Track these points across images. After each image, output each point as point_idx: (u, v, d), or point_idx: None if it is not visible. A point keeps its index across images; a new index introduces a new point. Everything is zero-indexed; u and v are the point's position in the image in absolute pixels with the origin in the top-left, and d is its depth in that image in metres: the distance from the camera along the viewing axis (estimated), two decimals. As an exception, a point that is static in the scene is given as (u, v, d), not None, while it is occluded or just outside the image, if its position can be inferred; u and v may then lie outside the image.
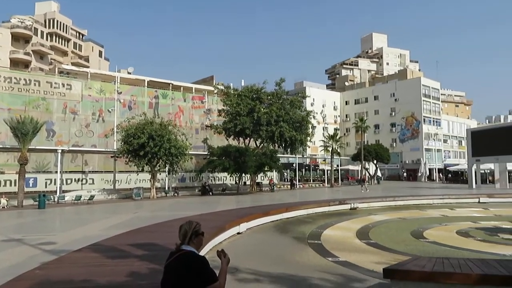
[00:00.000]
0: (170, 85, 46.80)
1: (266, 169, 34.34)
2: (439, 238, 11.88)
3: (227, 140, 38.76)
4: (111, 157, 30.66)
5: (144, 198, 27.20)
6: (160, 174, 31.66)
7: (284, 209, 16.01)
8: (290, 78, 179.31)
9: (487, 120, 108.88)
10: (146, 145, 25.67)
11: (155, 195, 28.38)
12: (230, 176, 38.00)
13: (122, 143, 27.14)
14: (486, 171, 51.36)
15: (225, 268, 2.96)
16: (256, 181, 38.69)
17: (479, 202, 22.97)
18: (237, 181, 36.04)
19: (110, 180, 32.10)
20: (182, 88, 48.84)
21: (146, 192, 28.51)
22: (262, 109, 36.32)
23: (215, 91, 42.24)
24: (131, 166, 28.86)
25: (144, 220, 14.00)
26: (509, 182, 42.81)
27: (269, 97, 38.76)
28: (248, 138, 38.38)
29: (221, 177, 40.82)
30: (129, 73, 46.82)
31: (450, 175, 65.55)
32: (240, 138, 38.57)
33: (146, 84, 45.08)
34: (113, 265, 6.21)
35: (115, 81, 39.50)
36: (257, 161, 33.09)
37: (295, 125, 38.25)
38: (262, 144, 39.05)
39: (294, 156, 47.88)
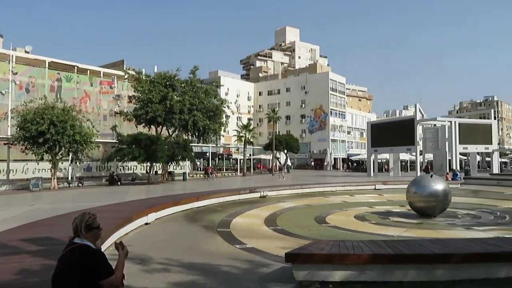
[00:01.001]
0: (75, 67, 43.41)
1: (178, 158, 33.79)
2: (339, 222, 12.75)
3: (138, 128, 37.34)
4: (4, 144, 27.67)
5: (43, 189, 25.11)
6: (62, 163, 29.44)
7: (194, 198, 15.94)
8: (205, 67, 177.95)
9: (385, 114, 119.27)
10: (47, 132, 23.64)
11: (57, 186, 26.36)
12: (141, 166, 36.74)
13: (18, 129, 24.68)
14: (382, 160, 56.38)
15: (123, 260, 2.86)
16: (168, 170, 37.93)
17: (375, 189, 25.15)
18: (148, 171, 34.98)
19: (4, 170, 29.04)
20: (88, 71, 45.56)
21: (46, 182, 26.34)
22: (175, 97, 35.54)
23: (126, 76, 40.25)
24: (28, 154, 26.41)
25: (42, 212, 12.94)
26: (401, 171, 47.60)
27: (182, 85, 38.03)
28: (160, 126, 37.35)
29: (131, 166, 39.24)
30: (26, 52, 42.38)
31: (352, 164, 70.80)
32: (152, 126, 37.38)
33: (47, 65, 41.24)
34: (0, 262, 5.65)
35: (9, 60, 35.55)
36: (169, 150, 32.39)
37: (209, 114, 38.11)
38: (174, 133, 38.30)
39: (207, 145, 47.79)
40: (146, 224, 11.48)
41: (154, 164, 34.22)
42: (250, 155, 58.84)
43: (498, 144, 50.74)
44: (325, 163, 70.16)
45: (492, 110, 53.26)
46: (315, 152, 78.03)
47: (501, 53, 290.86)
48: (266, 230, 11.51)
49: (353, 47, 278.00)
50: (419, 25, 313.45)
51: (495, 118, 49.24)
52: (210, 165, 48.37)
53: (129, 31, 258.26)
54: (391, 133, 42.75)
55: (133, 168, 39.27)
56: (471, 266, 5.78)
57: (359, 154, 71.63)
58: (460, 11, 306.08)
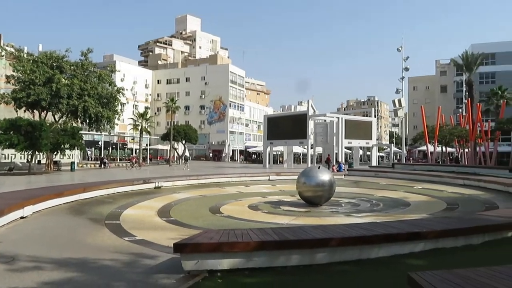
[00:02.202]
0: None
1: (66, 146, 31.09)
2: (233, 212, 12.98)
3: (17, 112, 33.51)
4: None
5: None
6: None
7: (81, 189, 14.83)
8: (99, 50, 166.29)
9: (281, 109, 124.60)
10: None
11: None
12: (21, 154, 33.06)
13: None
14: (277, 153, 58.95)
15: None
16: (54, 160, 34.79)
17: (269, 179, 26.16)
18: (29, 160, 31.60)
19: None
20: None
21: None
22: (63, 80, 32.61)
23: (3, 53, 35.70)
24: None
25: None
26: (294, 163, 50.31)
27: (72, 67, 35.06)
28: (45, 112, 34.00)
29: (8, 154, 35.08)
30: None
31: (250, 156, 72.79)
32: (35, 111, 33.85)
33: None
34: None
35: None
36: (55, 138, 29.65)
37: (102, 100, 35.80)
38: (62, 119, 35.20)
39: (100, 133, 44.93)
40: (21, 218, 10.34)
41: (36, 152, 31.05)
42: (146, 145, 56.84)
43: (377, 139, 56.59)
44: (223, 155, 71.00)
45: (373, 109, 59.07)
46: (213, 143, 78.42)
47: (380, 58, 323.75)
48: (158, 221, 11.21)
49: (253, 41, 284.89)
50: (320, 24, 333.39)
51: (375, 116, 54.70)
52: (103, 154, 45.56)
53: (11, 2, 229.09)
54: (286, 126, 44.82)
55: (11, 157, 35.19)
56: (346, 248, 6.32)
57: (256, 146, 73.87)
58: (357, 11, 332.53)
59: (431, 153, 47.79)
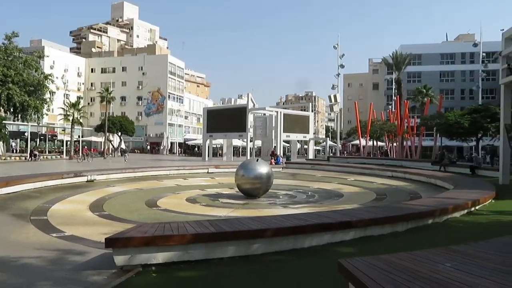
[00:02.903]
0: None
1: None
2: (170, 205, 12.77)
3: None
4: None
5: None
6: None
7: (3, 183, 13.74)
8: (25, 35, 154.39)
9: (221, 101, 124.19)
10: None
11: None
12: None
13: None
14: (217, 145, 58.77)
15: None
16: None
17: (208, 172, 26.03)
18: None
19: None
20: None
21: None
22: (-18, 65, 29.91)
23: None
24: None
25: None
26: (234, 156, 50.47)
27: (-7, 51, 32.26)
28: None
29: None
30: None
31: (189, 149, 71.85)
32: None
33: None
34: None
35: None
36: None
37: (29, 88, 33.42)
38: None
39: (26, 124, 41.89)
40: None
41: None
42: (79, 136, 53.91)
43: (314, 133, 58.39)
44: (162, 147, 69.42)
45: (310, 104, 60.91)
46: (151, 135, 76.36)
47: (318, 55, 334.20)
48: (90, 216, 10.74)
49: (194, 33, 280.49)
50: (262, 18, 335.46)
51: (312, 111, 56.35)
52: (29, 146, 42.50)
53: None
54: (226, 119, 44.77)
55: None
56: (282, 238, 6.48)
57: (195, 139, 73.07)
58: (298, 8, 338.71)
59: (363, 146, 50.32)
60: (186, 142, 74.76)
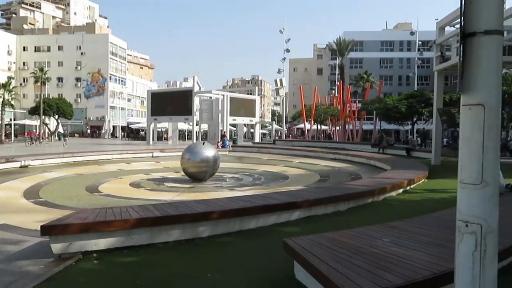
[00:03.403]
0: None
1: None
2: (113, 190, 12.35)
3: None
4: None
5: None
6: None
7: None
8: None
9: (166, 84, 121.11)
10: None
11: None
12: None
13: None
14: (162, 129, 57.43)
15: None
16: None
17: (152, 156, 25.44)
18: None
19: None
20: None
21: None
22: None
23: None
24: None
25: None
26: (179, 140, 49.64)
27: None
28: None
29: None
30: None
31: (132, 133, 69.56)
32: None
33: None
34: None
35: None
36: None
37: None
38: None
39: None
40: None
41: None
42: (10, 119, 50.24)
43: (260, 117, 58.83)
44: (103, 131, 66.61)
45: (257, 88, 61.10)
46: (92, 119, 72.90)
47: (265, 39, 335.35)
48: (25, 203, 10.11)
49: (137, 12, 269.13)
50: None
51: (258, 95, 56.66)
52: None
53: None
54: (171, 102, 43.77)
55: None
56: (228, 220, 6.49)
57: (139, 123, 70.82)
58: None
59: (308, 130, 51.55)
60: (130, 126, 72.20)
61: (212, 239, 6.10)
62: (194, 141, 38.09)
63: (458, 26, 19.41)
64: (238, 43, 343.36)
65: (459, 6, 2.63)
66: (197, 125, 43.90)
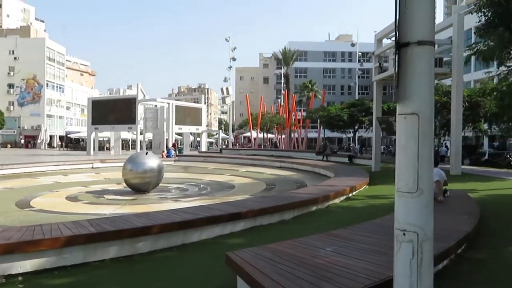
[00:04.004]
0: None
1: None
2: (47, 205, 11.55)
3: None
4: None
5: None
6: None
7: None
8: None
9: (109, 92, 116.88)
10: None
11: None
12: None
13: None
14: (104, 139, 55.11)
15: None
16: None
17: (92, 167, 24.25)
18: None
19: None
20: None
21: None
22: None
23: None
24: None
25: None
26: (123, 149, 47.87)
27: None
28: None
29: None
30: None
31: (71, 142, 66.12)
32: None
33: None
34: None
35: None
36: None
37: None
38: None
39: None
40: None
41: None
42: None
43: (207, 126, 58.41)
44: (39, 141, 62.64)
45: (203, 96, 60.63)
46: (26, 128, 68.38)
47: (211, 47, 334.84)
48: None
49: (78, 17, 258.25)
50: (153, 6, 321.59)
51: (205, 103, 56.22)
52: None
53: None
54: (113, 111, 42.17)
55: None
56: (170, 234, 6.21)
57: (79, 132, 67.48)
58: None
59: (255, 138, 51.85)
60: (68, 135, 68.59)
61: (152, 255, 5.81)
62: (138, 150, 36.90)
63: (394, 38, 20.53)
64: (185, 51, 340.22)
65: (395, 16, 2.68)
66: (141, 134, 42.59)
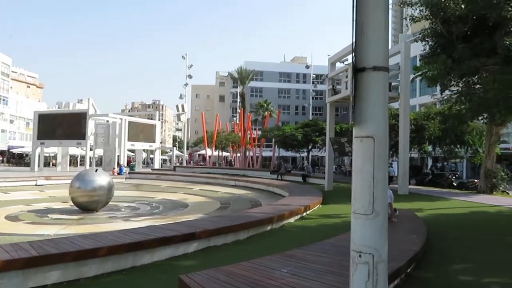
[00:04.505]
0: None
1: None
2: (-18, 225, 10.69)
3: None
4: None
5: None
6: None
7: None
8: None
9: (57, 105, 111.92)
10: None
11: None
12: None
13: None
14: (51, 154, 52.42)
15: None
16: None
17: (36, 184, 22.91)
18: None
19: None
20: None
21: None
22: None
23: None
24: None
25: None
26: (70, 165, 45.70)
27: None
28: None
29: None
30: None
31: (14, 158, 62.31)
32: None
33: None
34: None
35: None
36: None
37: None
38: None
39: None
40: None
41: None
42: None
43: (161, 143, 57.26)
44: (-23, 156, 58.46)
45: (157, 113, 59.67)
46: (-37, 141, 63.71)
47: (168, 63, 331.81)
48: None
49: (24, 27, 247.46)
50: (102, 17, 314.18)
51: (159, 120, 55.24)
52: None
53: None
54: (62, 125, 40.37)
55: None
56: (119, 256, 5.91)
57: (23, 147, 63.76)
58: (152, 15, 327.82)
59: (209, 156, 51.43)
60: (11, 150, 64.57)
61: (99, 279, 5.48)
62: (87, 167, 35.37)
63: (347, 62, 21.38)
64: (140, 67, 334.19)
65: (351, 43, 2.76)
66: (91, 150, 40.96)
